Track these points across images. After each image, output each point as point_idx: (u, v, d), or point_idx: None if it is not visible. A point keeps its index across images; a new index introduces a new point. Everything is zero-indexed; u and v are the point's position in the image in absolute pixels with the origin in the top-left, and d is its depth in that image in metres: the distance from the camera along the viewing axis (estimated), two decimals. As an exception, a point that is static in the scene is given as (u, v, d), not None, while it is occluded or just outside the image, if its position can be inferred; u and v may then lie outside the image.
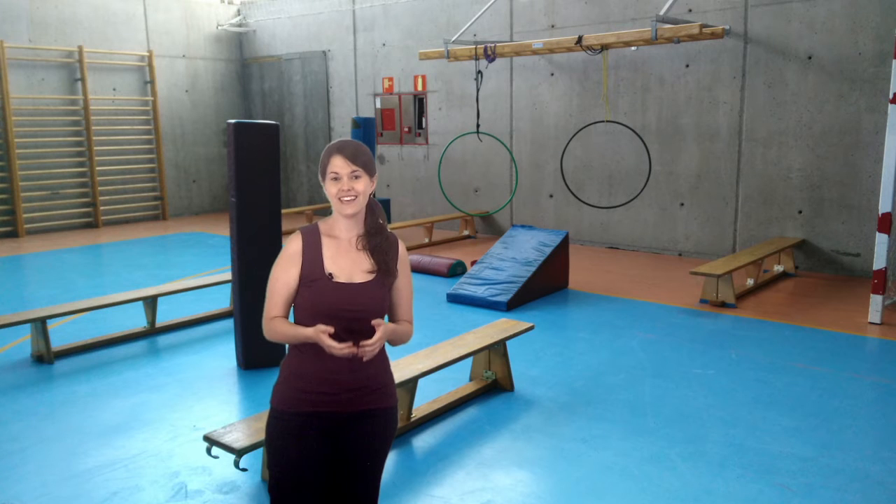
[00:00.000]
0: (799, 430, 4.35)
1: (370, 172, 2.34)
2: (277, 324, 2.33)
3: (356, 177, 2.30)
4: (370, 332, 2.27)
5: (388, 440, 2.46)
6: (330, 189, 2.32)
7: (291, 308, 2.40)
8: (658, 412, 4.64)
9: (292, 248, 2.35)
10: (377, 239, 2.38)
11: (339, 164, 2.30)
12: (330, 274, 2.31)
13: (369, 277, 2.35)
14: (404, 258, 2.47)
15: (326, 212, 12.42)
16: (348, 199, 2.31)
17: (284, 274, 2.33)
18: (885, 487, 3.67)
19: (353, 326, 2.29)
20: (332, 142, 2.39)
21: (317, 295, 2.30)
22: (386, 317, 2.44)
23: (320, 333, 2.21)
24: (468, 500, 3.61)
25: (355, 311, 2.29)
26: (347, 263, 2.35)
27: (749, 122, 8.93)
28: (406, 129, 12.50)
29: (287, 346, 2.43)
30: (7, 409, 4.79)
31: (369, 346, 2.23)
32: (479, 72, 9.05)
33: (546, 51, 9.49)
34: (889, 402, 4.81)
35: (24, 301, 7.65)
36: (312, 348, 2.30)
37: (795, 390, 4.98)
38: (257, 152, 5.29)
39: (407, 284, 2.48)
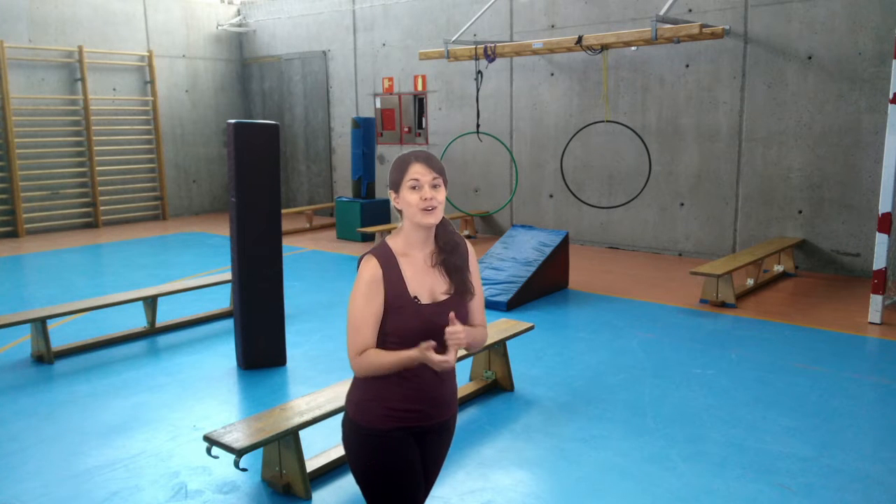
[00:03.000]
0: (799, 430, 4.35)
1: (446, 182, 2.28)
2: (373, 356, 2.22)
3: (436, 185, 2.23)
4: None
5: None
6: (409, 198, 2.22)
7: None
8: (658, 412, 4.64)
9: (371, 274, 2.23)
10: (452, 256, 2.31)
11: (419, 171, 2.22)
12: (416, 297, 2.24)
13: (449, 295, 2.30)
14: (473, 258, 2.40)
15: (325, 212, 12.26)
16: (430, 208, 2.21)
17: (369, 305, 2.22)
18: (885, 487, 3.67)
19: (441, 347, 2.26)
20: (403, 153, 2.30)
21: (405, 320, 2.22)
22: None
23: (425, 352, 2.13)
24: (468, 500, 3.61)
25: (442, 330, 2.21)
26: (428, 283, 2.28)
27: (749, 122, 8.93)
28: (406, 129, 12.50)
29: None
30: (7, 409, 4.80)
31: (459, 333, 2.17)
32: (479, 72, 9.05)
33: (546, 51, 9.49)
34: (889, 402, 4.81)
35: (24, 301, 7.65)
36: (398, 372, 2.25)
37: (795, 390, 4.98)
38: (257, 152, 5.29)
39: (478, 286, 2.41)
